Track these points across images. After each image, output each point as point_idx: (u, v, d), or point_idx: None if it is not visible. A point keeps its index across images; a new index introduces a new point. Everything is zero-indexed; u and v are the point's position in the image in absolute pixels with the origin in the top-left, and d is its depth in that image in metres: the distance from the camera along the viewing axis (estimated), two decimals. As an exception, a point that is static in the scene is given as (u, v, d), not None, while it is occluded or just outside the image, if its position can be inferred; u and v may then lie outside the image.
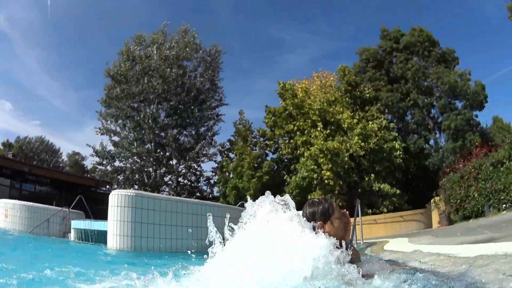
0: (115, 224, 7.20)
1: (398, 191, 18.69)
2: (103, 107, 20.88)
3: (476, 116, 23.48)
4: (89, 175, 26.17)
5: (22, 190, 20.58)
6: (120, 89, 19.78)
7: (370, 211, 18.26)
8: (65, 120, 51.28)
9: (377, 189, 18.37)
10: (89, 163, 27.79)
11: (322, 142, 17.75)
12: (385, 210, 18.53)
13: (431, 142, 24.01)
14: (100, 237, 9.19)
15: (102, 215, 13.95)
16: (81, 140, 56.81)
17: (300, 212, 2.02)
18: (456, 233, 7.01)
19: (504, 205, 10.01)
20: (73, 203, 12.39)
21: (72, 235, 10.55)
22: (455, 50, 25.78)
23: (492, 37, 37.12)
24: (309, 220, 1.93)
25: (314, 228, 1.89)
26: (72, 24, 41.69)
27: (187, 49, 20.51)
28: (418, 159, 23.04)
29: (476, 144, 18.16)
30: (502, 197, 10.07)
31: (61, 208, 12.11)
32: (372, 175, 18.49)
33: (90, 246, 8.92)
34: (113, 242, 7.17)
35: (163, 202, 7.84)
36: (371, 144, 18.42)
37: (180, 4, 41.05)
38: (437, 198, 15.92)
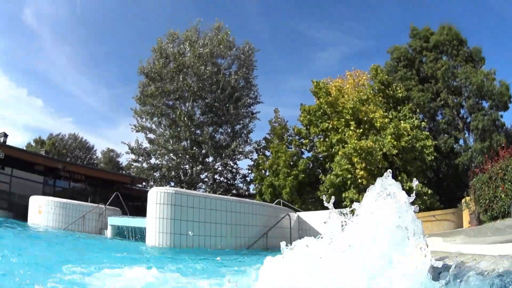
0: (154, 221, 7.22)
1: (429, 191, 18.57)
2: (137, 105, 20.97)
3: (501, 116, 23.34)
4: (124, 172, 26.20)
5: (56, 186, 20.51)
6: (155, 87, 19.85)
7: (403, 210, 18.17)
8: (98, 117, 51.91)
9: (407, 188, 18.22)
10: (124, 160, 27.94)
11: (355, 141, 17.74)
12: (417, 209, 18.40)
13: (461, 142, 23.97)
14: (137, 234, 9.22)
15: (137, 211, 14.00)
16: (115, 137, 57.16)
17: None
18: (487, 233, 7.05)
19: (530, 207, 9.99)
20: (110, 200, 12.35)
21: (108, 232, 10.65)
22: (481, 49, 25.56)
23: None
24: None
25: None
26: (102, 20, 41.93)
27: (221, 47, 20.53)
28: (449, 158, 22.97)
29: (502, 145, 18.14)
30: (527, 199, 10.06)
31: (97, 204, 12.18)
32: (404, 174, 18.43)
33: (130, 243, 8.93)
34: (152, 239, 7.18)
35: (202, 199, 7.88)
36: (403, 142, 18.36)
37: (209, 1, 40.85)
38: (467, 198, 15.84)
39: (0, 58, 42.40)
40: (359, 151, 17.45)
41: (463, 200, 16.53)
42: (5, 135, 21.95)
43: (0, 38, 41.08)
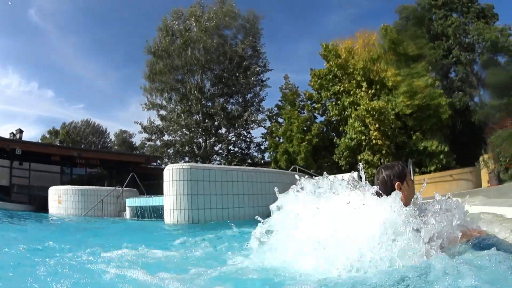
0: (171, 198, 7.14)
1: (446, 149, 18.28)
2: (147, 82, 21.02)
3: (520, 72, 22.70)
4: (138, 152, 26.24)
5: (73, 174, 20.58)
6: (163, 64, 19.87)
7: (418, 170, 18.01)
8: (108, 100, 51.98)
9: (421, 148, 18.05)
10: (137, 139, 28.10)
11: (367, 102, 17.56)
12: (433, 168, 18.24)
13: (476, 99, 23.51)
14: (156, 213, 9.03)
15: (154, 189, 13.81)
16: (127, 118, 57.61)
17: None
18: (508, 193, 6.76)
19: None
20: (126, 181, 12.18)
21: (127, 213, 10.48)
22: (494, 6, 25.09)
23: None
24: (386, 182, 2.06)
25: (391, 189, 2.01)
26: (103, 6, 42.17)
27: (226, 18, 20.36)
28: (464, 116, 22.56)
29: (522, 100, 17.57)
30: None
31: (114, 188, 11.99)
32: (418, 133, 18.21)
33: (148, 223, 8.79)
34: (170, 216, 7.10)
35: (218, 172, 7.74)
36: (417, 101, 18.05)
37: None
38: (486, 156, 15.44)
39: (10, 57, 44.29)
40: (371, 112, 17.30)
41: (481, 158, 16.17)
42: (21, 131, 22.24)
43: (9, 39, 42.77)
